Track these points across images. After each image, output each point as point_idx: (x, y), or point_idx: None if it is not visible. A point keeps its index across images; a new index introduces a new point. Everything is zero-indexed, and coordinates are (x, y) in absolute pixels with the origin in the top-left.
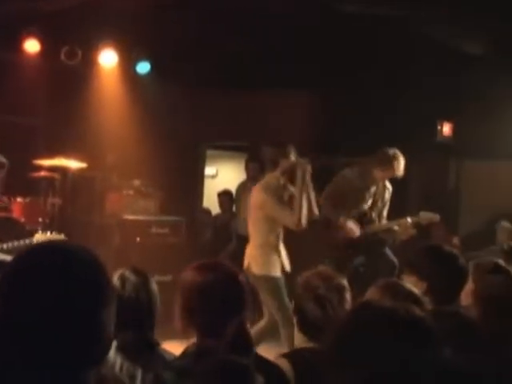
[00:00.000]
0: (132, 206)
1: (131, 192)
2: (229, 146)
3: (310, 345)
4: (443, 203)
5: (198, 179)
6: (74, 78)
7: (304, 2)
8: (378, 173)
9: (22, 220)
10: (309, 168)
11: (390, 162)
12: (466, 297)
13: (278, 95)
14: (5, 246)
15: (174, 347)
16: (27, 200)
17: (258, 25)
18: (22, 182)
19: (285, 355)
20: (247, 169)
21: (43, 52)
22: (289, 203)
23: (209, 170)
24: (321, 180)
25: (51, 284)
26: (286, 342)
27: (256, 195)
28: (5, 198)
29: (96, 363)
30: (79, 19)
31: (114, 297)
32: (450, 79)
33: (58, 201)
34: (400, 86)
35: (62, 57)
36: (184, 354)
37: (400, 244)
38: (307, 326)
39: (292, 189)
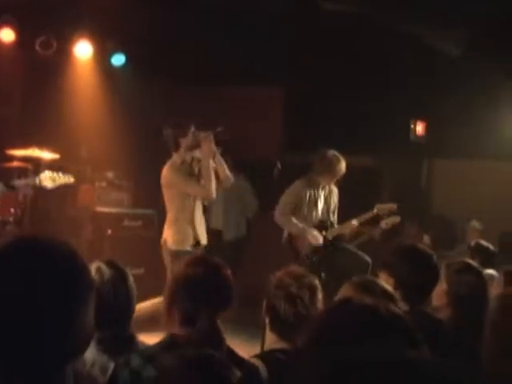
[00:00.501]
0: (104, 198)
1: (104, 184)
2: None
3: (281, 344)
4: (415, 202)
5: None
6: (48, 68)
7: None
8: (323, 178)
9: None
10: (210, 138)
11: (331, 165)
12: (437, 297)
13: (253, 90)
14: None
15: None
16: None
17: (232, 19)
18: None
19: (257, 356)
20: None
21: (18, 42)
22: (200, 176)
23: None
24: (293, 178)
25: (29, 277)
26: None
27: (163, 175)
28: None
29: (74, 358)
30: (55, 9)
31: (93, 291)
32: (424, 79)
33: (30, 192)
34: (374, 85)
35: (37, 47)
36: (157, 343)
37: (373, 242)
38: (279, 325)
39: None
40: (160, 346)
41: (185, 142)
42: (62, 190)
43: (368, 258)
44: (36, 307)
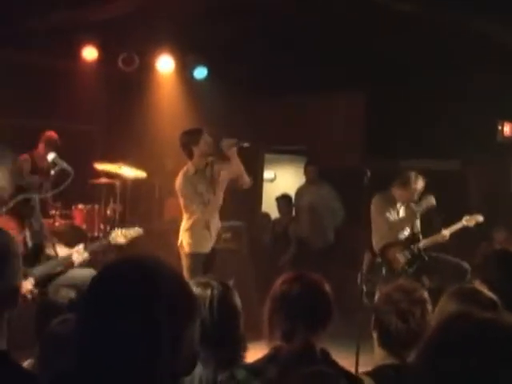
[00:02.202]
0: None
1: None
2: (287, 149)
3: (391, 361)
4: (503, 205)
5: (256, 183)
6: (131, 84)
7: (358, 1)
8: (400, 197)
9: (84, 226)
10: (234, 149)
11: (409, 183)
12: None
13: (334, 97)
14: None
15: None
16: (88, 207)
17: (310, 27)
18: (82, 189)
19: (368, 373)
20: (306, 172)
21: (101, 59)
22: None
23: (267, 174)
24: (376, 183)
25: (141, 299)
26: None
27: (176, 183)
28: (58, 205)
29: (182, 378)
30: (136, 26)
31: (198, 311)
32: (511, 79)
33: (117, 207)
34: (460, 86)
35: (120, 63)
36: (263, 356)
37: (460, 249)
38: (390, 341)
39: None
40: (265, 359)
41: (198, 150)
42: (148, 204)
43: (466, 265)
44: (144, 329)
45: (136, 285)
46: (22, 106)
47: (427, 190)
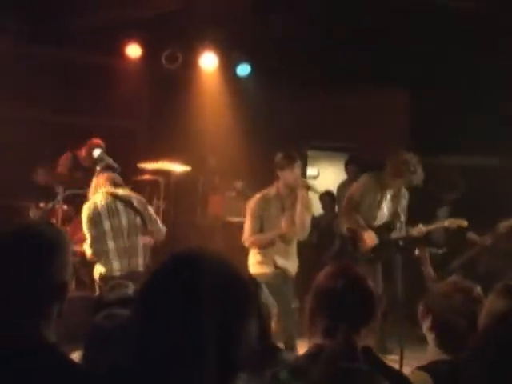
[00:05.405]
0: (234, 207)
1: (233, 194)
2: (330, 146)
3: (444, 356)
4: None
5: None
6: (174, 81)
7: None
8: (393, 182)
9: None
10: (302, 193)
11: (404, 171)
12: None
13: (379, 94)
14: None
15: None
16: None
17: (359, 24)
18: (127, 185)
19: (422, 368)
20: (347, 170)
21: (144, 56)
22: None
23: (310, 171)
24: (426, 182)
25: (190, 292)
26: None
27: (248, 203)
28: None
29: (237, 374)
30: (179, 23)
31: (253, 306)
32: None
33: (161, 203)
34: (502, 82)
35: (163, 61)
36: (304, 354)
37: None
38: (448, 340)
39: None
40: (306, 357)
41: (284, 177)
42: (192, 201)
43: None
44: (196, 322)
45: (185, 277)
46: (66, 103)
47: (472, 188)
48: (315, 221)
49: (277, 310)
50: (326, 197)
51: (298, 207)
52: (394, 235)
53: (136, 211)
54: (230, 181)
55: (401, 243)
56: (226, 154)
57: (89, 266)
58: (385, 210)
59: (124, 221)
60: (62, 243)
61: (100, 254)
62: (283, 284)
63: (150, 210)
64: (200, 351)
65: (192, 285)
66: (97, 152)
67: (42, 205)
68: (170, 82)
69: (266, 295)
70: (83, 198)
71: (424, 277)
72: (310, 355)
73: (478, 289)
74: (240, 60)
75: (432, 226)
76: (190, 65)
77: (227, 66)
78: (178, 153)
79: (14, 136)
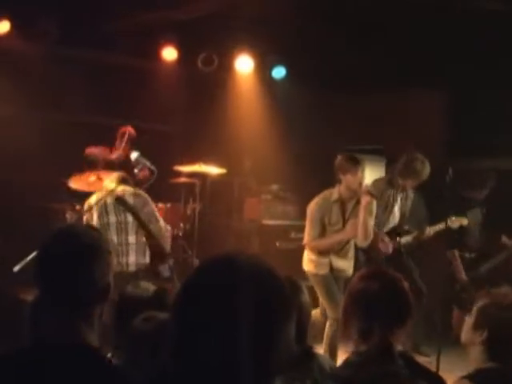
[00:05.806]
0: (270, 210)
1: (269, 197)
2: (366, 149)
3: (489, 365)
4: None
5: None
6: (210, 84)
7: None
8: (404, 182)
9: None
10: (366, 199)
11: (416, 170)
12: None
13: (412, 96)
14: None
15: None
16: (168, 205)
17: (397, 28)
18: (163, 188)
19: (468, 377)
20: (387, 172)
21: (180, 59)
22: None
23: None
24: (463, 185)
25: (229, 293)
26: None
27: (309, 206)
28: None
29: (275, 377)
30: (215, 26)
31: (292, 308)
32: None
33: (197, 206)
34: None
35: (199, 64)
36: (346, 363)
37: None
38: (501, 351)
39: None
40: (347, 365)
41: (346, 181)
42: (228, 203)
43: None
44: (236, 325)
45: (224, 279)
46: (102, 105)
47: (498, 192)
48: None
49: (320, 313)
50: None
51: (362, 213)
52: (403, 241)
53: (129, 209)
54: (266, 183)
55: (409, 247)
56: (262, 156)
57: None
58: (396, 212)
59: (112, 218)
60: (103, 245)
61: None
62: (334, 286)
63: (151, 208)
64: (239, 354)
65: (231, 288)
66: (134, 155)
67: (78, 207)
68: (206, 84)
69: (306, 297)
70: None
71: (456, 280)
72: (351, 363)
73: None
74: (275, 63)
75: (436, 227)
76: (225, 68)
77: (263, 69)
78: (214, 155)
79: (50, 139)
